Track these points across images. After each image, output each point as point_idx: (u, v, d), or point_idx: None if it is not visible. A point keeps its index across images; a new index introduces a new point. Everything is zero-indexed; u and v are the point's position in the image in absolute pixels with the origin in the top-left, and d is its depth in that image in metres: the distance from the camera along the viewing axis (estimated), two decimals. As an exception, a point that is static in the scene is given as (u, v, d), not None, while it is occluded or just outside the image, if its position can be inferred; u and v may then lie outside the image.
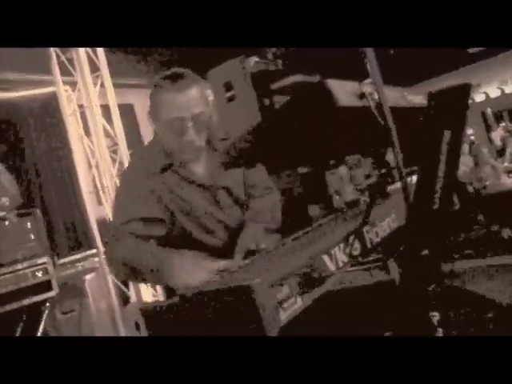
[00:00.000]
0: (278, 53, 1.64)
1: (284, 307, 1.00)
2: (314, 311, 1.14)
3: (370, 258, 1.43)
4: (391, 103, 1.10)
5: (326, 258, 1.19)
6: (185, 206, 1.59)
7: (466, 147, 7.26)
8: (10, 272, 3.20)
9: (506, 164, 6.20)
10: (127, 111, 5.78)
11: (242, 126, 1.47)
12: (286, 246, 1.37)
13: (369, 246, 1.43)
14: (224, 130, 1.69)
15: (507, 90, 9.14)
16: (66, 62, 4.56)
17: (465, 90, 1.33)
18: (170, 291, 1.52)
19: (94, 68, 4.62)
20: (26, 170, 4.93)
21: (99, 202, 4.72)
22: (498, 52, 8.68)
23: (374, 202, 1.35)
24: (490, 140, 8.64)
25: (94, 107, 4.51)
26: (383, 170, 1.74)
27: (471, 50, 8.23)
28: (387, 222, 1.61)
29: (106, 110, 4.62)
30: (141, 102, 5.37)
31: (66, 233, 5.10)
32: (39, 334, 3.36)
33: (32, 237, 3.44)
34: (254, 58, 1.54)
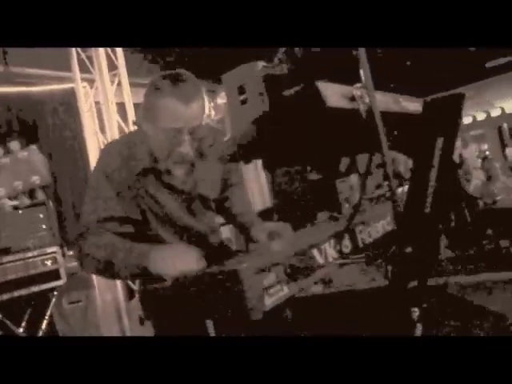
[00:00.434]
0: (283, 58, 1.71)
1: (270, 293, 1.07)
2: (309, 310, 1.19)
3: (359, 256, 1.48)
4: (383, 107, 1.16)
5: (315, 252, 1.25)
6: (157, 208, 1.57)
7: (478, 162, 7.23)
8: (21, 259, 3.31)
9: (518, 181, 6.16)
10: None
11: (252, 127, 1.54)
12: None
13: (360, 245, 1.49)
14: (230, 132, 1.75)
15: (524, 106, 9.09)
16: (85, 59, 4.70)
17: (459, 99, 1.38)
18: (145, 282, 1.53)
19: (112, 66, 4.75)
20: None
21: (110, 197, 4.81)
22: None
23: (355, 212, 1.40)
24: (505, 156, 8.60)
25: (110, 104, 4.63)
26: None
27: (488, 65, 8.22)
28: (381, 224, 1.66)
29: (121, 107, 4.74)
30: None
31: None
32: (45, 322, 3.46)
33: (43, 226, 3.55)
34: (262, 63, 1.60)
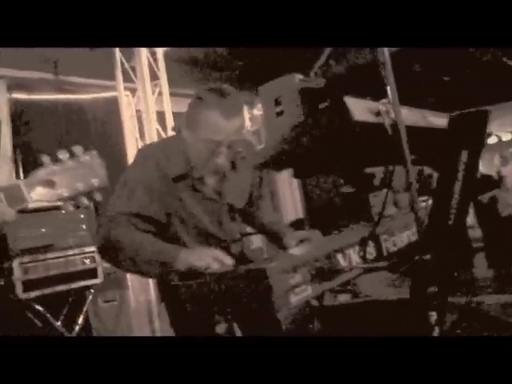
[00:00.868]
0: (319, 72, 1.80)
1: (295, 292, 1.14)
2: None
3: (383, 263, 1.53)
4: (409, 122, 1.22)
5: (340, 256, 1.33)
6: (185, 213, 1.62)
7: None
8: (62, 256, 3.51)
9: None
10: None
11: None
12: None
13: (384, 253, 1.55)
14: (264, 143, 1.82)
15: None
16: (128, 69, 4.93)
17: (484, 115, 1.43)
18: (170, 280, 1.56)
19: (154, 76, 4.96)
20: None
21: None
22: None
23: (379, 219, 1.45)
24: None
25: (151, 113, 4.83)
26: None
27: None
28: (406, 234, 1.71)
29: (161, 116, 4.94)
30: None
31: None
32: (82, 317, 3.64)
33: (83, 227, 3.75)
34: (299, 76, 1.68)
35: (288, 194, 6.55)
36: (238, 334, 1.65)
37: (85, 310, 3.69)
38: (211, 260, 1.33)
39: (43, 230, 3.55)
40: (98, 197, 1.01)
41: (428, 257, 1.20)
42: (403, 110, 1.21)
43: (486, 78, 5.99)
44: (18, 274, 3.31)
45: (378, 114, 1.14)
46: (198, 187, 1.64)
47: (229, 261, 1.34)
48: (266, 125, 1.82)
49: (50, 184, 0.94)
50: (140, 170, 1.60)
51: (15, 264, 3.31)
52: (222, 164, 1.57)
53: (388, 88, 1.17)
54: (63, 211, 3.56)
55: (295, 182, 6.40)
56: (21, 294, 3.30)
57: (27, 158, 4.73)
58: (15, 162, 4.51)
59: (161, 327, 4.39)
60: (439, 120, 1.48)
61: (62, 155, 0.97)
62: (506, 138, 8.21)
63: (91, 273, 3.65)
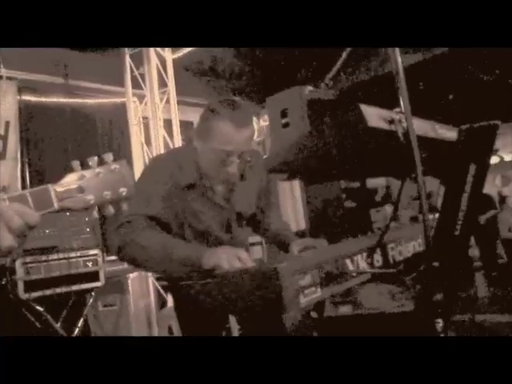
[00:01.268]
0: (330, 84, 1.82)
1: (305, 293, 1.16)
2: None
3: (392, 270, 1.54)
4: (420, 132, 1.25)
5: (348, 261, 1.35)
6: (195, 221, 1.68)
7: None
8: (65, 258, 3.53)
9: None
10: (187, 127, 6.14)
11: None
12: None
13: (391, 261, 1.56)
14: (269, 154, 1.85)
15: None
16: (138, 76, 4.99)
17: (493, 129, 1.46)
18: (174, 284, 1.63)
19: (163, 84, 5.02)
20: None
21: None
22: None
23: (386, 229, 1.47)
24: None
25: (158, 120, 4.88)
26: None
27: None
28: (413, 244, 1.73)
29: (167, 124, 4.99)
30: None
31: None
32: (81, 320, 3.64)
33: (87, 230, 3.77)
34: (309, 88, 1.71)
35: (290, 206, 6.57)
36: (243, 333, 1.66)
37: (85, 313, 3.69)
38: (235, 258, 1.36)
39: (47, 230, 3.57)
40: (125, 206, 0.98)
41: (436, 264, 1.22)
42: (414, 121, 1.24)
43: (488, 97, 6.05)
44: (20, 274, 3.32)
45: (391, 122, 1.17)
46: (209, 196, 1.69)
47: (250, 260, 1.38)
48: (271, 136, 1.83)
49: (78, 190, 0.92)
50: (154, 178, 1.66)
51: (18, 264, 3.32)
52: (232, 173, 1.61)
53: (400, 98, 1.20)
54: (67, 213, 3.59)
55: (298, 193, 6.44)
56: (22, 294, 3.31)
57: (34, 160, 4.77)
58: (22, 162, 4.56)
59: (159, 334, 4.38)
60: (449, 133, 1.52)
61: (92, 162, 0.95)
62: (508, 158, 8.25)
63: (93, 276, 3.66)
